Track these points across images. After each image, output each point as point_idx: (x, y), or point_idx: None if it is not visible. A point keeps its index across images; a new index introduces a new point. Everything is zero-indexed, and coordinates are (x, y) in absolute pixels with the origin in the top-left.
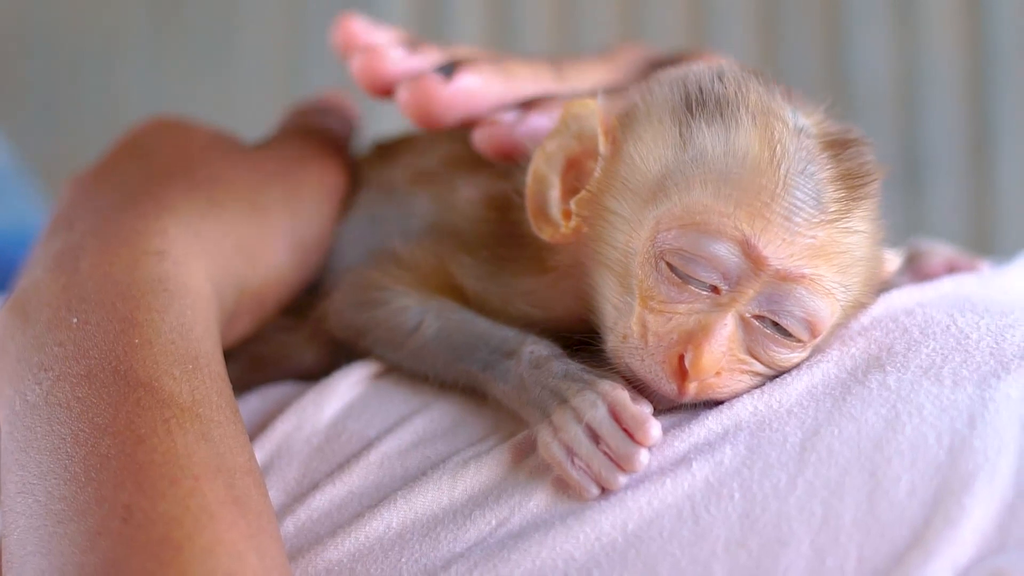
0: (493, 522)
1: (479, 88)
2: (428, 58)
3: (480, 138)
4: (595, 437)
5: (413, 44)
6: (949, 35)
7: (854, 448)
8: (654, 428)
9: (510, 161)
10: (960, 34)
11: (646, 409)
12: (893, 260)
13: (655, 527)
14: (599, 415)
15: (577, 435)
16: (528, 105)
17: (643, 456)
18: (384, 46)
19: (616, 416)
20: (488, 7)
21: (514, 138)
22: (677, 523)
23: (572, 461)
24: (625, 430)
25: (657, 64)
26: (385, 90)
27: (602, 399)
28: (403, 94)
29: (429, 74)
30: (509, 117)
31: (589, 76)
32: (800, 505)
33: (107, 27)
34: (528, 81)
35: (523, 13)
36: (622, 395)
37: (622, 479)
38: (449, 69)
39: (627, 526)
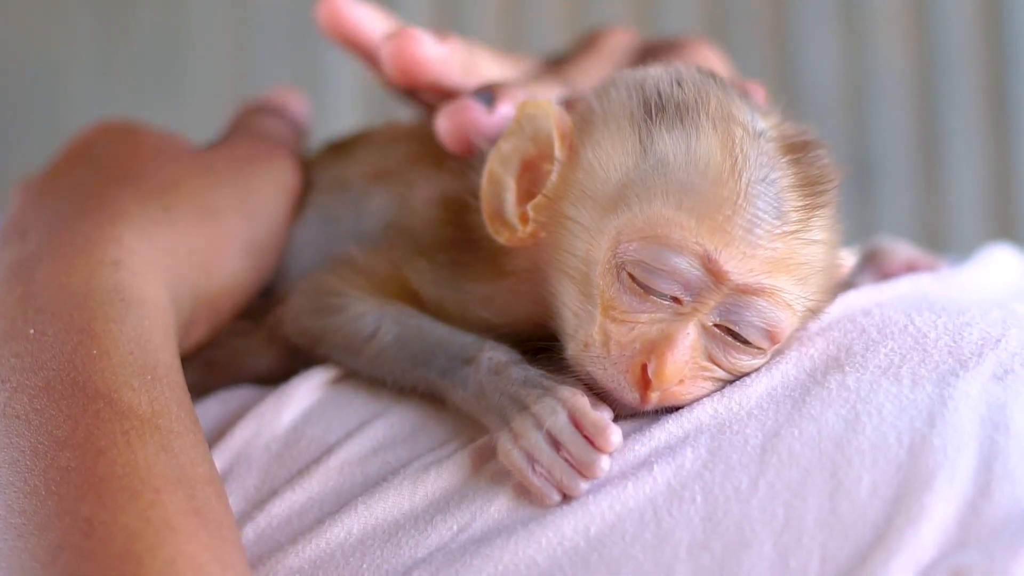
0: (455, 527)
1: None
2: (455, 53)
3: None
4: (555, 444)
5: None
6: (896, 37)
7: (815, 449)
8: (614, 434)
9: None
10: (907, 36)
11: (606, 415)
12: (848, 260)
13: (617, 531)
14: (559, 422)
15: (537, 442)
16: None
17: (604, 462)
18: (414, 30)
19: (576, 423)
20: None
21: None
22: (639, 527)
23: (533, 468)
24: (585, 436)
25: (648, 51)
26: (416, 81)
27: (562, 405)
28: (443, 122)
29: (471, 103)
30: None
31: (594, 74)
32: (762, 507)
33: (54, 42)
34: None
35: (474, 16)
36: (582, 401)
37: (583, 485)
38: (489, 98)
39: (589, 530)
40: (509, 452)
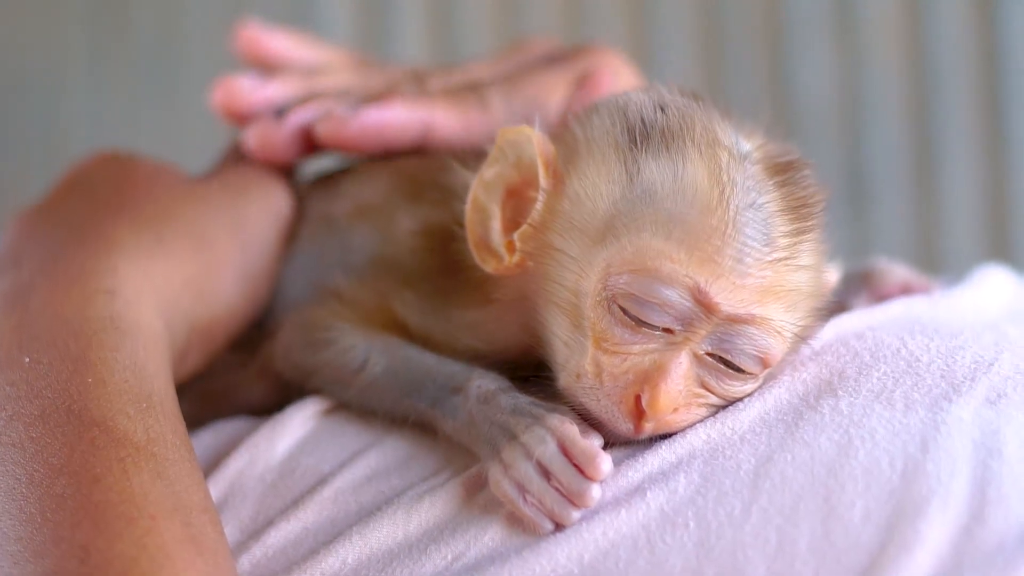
0: (449, 556)
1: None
2: (284, 86)
3: (320, 130)
4: (546, 473)
5: (273, 72)
6: (891, 53)
7: (807, 474)
8: (604, 462)
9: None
10: (902, 52)
11: (596, 443)
12: (833, 275)
13: (611, 558)
14: (549, 451)
15: (528, 472)
16: (368, 100)
17: (595, 491)
18: (241, 79)
19: (566, 451)
20: (430, 26)
21: (346, 132)
22: (633, 553)
23: (524, 498)
24: (576, 465)
25: (550, 59)
26: (241, 121)
27: (551, 434)
28: (247, 138)
29: (266, 118)
30: (342, 112)
31: (455, 78)
32: (755, 532)
33: (48, 59)
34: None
35: (467, 35)
36: (571, 430)
37: (575, 514)
38: (280, 112)
39: (583, 557)
40: (500, 483)
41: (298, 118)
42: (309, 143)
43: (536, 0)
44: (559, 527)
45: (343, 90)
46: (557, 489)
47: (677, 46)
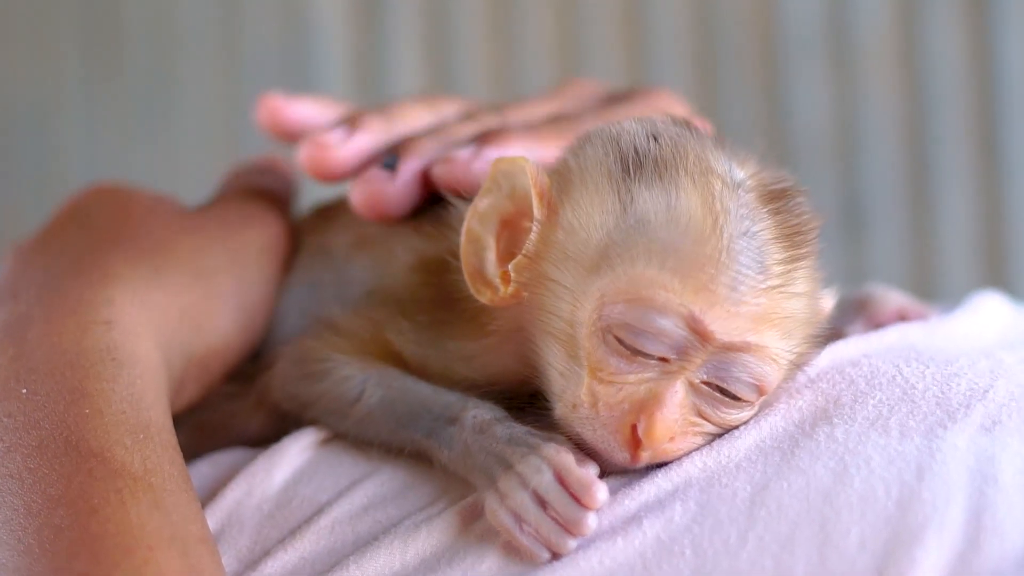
0: None
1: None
2: (372, 134)
3: (439, 173)
4: (542, 502)
5: (352, 120)
6: (886, 81)
7: (804, 502)
8: (600, 491)
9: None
10: (897, 79)
11: (592, 471)
12: (829, 301)
13: None
14: (545, 480)
15: (524, 501)
16: (483, 139)
17: (591, 520)
18: (325, 134)
19: (562, 480)
20: (426, 65)
21: (472, 174)
22: None
23: (521, 527)
24: (572, 494)
25: (610, 99)
26: (337, 178)
27: (547, 464)
28: (355, 196)
29: (375, 172)
30: (464, 154)
31: (533, 113)
32: (751, 560)
33: (41, 91)
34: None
35: (462, 61)
36: (567, 459)
37: (572, 543)
38: (392, 162)
39: None
40: (496, 512)
41: (410, 170)
42: (421, 190)
43: (531, 27)
44: (556, 556)
45: (430, 127)
46: (554, 518)
47: (671, 72)
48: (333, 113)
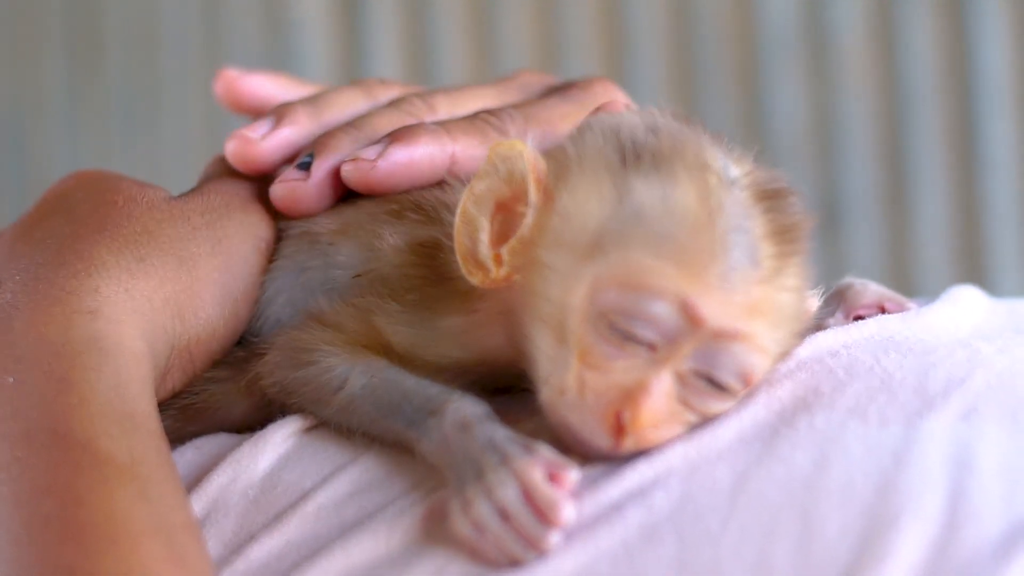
0: (431, 570)
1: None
2: (296, 127)
3: (346, 172)
4: (506, 515)
5: (279, 112)
6: (864, 81)
7: (784, 490)
8: (566, 510)
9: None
10: (874, 80)
11: (570, 475)
12: (814, 301)
13: (592, 573)
14: (509, 495)
15: (486, 513)
16: (392, 137)
17: (552, 538)
18: (250, 128)
19: (528, 497)
20: (407, 62)
21: (376, 174)
22: (612, 569)
23: (483, 536)
24: (537, 509)
25: (550, 91)
26: (262, 172)
27: (515, 478)
28: (273, 195)
29: (289, 173)
30: (370, 153)
31: (463, 104)
32: (733, 548)
33: (23, 91)
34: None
35: (443, 59)
36: (535, 476)
37: (531, 555)
38: (306, 163)
39: (564, 572)
40: (457, 520)
41: (323, 169)
42: (337, 187)
43: (511, 26)
44: (515, 565)
45: (354, 117)
46: (517, 531)
47: (650, 70)
48: (293, 91)
